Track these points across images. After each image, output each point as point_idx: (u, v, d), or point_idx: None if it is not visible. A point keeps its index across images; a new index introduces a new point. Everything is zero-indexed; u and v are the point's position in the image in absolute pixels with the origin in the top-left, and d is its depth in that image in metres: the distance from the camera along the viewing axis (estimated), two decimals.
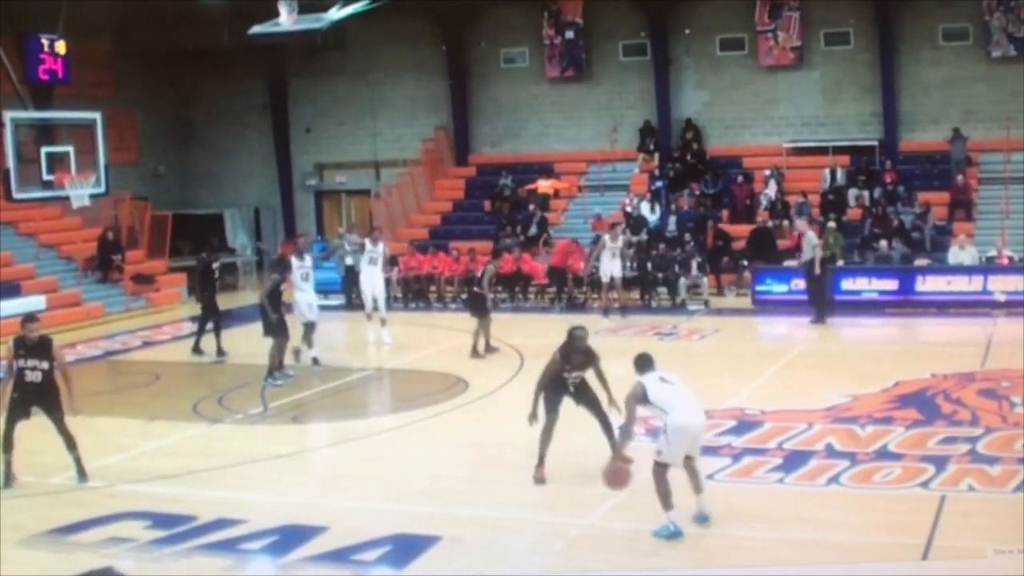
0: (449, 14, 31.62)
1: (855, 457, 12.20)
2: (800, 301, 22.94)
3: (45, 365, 12.08)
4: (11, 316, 23.11)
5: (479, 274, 19.73)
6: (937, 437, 12.90)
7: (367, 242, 21.32)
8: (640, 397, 10.16)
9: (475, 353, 19.04)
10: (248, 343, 19.43)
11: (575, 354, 11.62)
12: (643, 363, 10.47)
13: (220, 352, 19.91)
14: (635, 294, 24.64)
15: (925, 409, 14.20)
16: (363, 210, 33.56)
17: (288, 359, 18.03)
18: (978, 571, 9.08)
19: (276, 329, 17.62)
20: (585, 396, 11.76)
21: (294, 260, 18.66)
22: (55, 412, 12.14)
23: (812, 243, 21.93)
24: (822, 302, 21.90)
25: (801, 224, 23.16)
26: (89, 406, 15.19)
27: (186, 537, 10.34)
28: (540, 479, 11.64)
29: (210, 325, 20.06)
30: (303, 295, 18.66)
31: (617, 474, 10.32)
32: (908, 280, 23.10)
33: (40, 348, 12.13)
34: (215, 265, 20.90)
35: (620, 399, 10.81)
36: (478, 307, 19.37)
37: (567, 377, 11.63)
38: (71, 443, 12.19)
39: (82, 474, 12.23)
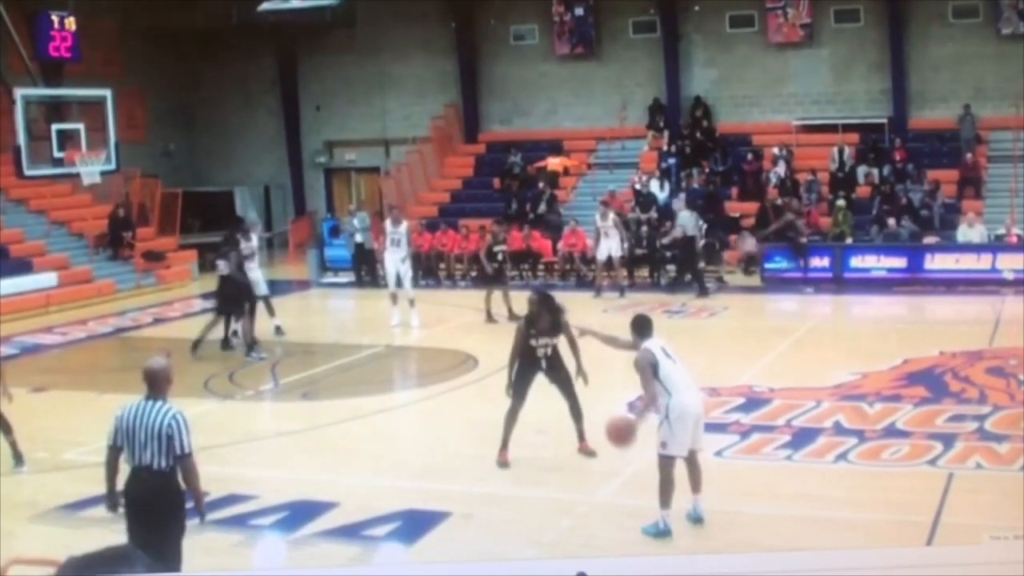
0: None
1: (863, 434, 12.23)
2: (811, 279, 23.08)
3: None
4: (23, 293, 23.33)
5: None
6: (945, 415, 12.92)
7: (388, 223, 20.87)
8: (654, 366, 9.20)
9: (489, 318, 20.22)
10: (262, 319, 19.30)
11: (539, 319, 11.52)
12: (644, 326, 9.63)
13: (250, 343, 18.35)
14: (644, 272, 24.70)
15: (933, 387, 14.22)
16: (372, 188, 33.55)
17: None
18: (974, 558, 9.10)
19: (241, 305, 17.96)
20: (558, 375, 11.65)
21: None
22: None
23: (688, 221, 22.85)
24: (686, 275, 23.31)
25: (677, 203, 23.91)
26: (100, 383, 15.32)
27: (197, 512, 10.39)
28: (503, 463, 11.54)
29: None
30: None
31: (624, 430, 9.27)
32: (917, 258, 23.11)
33: None
34: (242, 246, 19.06)
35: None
36: (482, 277, 21.31)
37: (536, 346, 11.50)
38: (6, 428, 11.78)
39: (18, 459, 11.83)
